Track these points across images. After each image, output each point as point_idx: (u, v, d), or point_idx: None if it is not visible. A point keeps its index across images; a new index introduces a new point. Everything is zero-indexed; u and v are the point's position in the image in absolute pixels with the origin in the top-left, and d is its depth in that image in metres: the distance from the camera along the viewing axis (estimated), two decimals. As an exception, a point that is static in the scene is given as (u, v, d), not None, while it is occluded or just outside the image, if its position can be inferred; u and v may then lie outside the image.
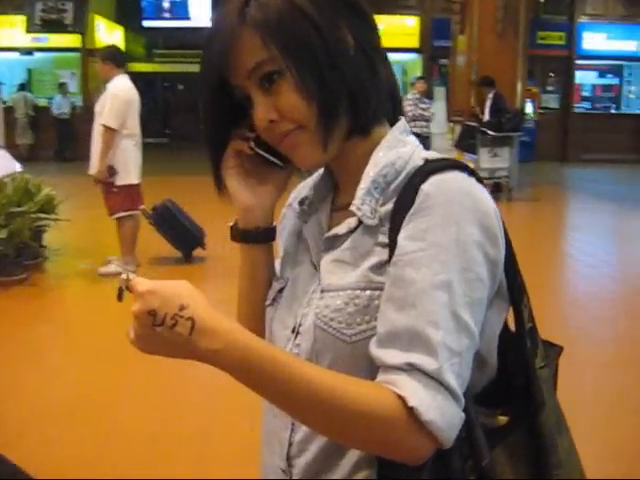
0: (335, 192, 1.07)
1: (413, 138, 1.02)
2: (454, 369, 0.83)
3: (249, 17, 0.92)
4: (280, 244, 1.12)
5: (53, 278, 6.60)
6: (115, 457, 3.18)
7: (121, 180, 6.21)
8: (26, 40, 16.80)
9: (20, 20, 16.49)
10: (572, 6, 17.76)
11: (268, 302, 1.08)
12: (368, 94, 0.96)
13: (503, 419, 0.95)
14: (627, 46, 18.29)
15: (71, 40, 16.84)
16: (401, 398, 0.80)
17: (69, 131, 16.61)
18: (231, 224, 1.09)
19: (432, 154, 0.98)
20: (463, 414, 0.83)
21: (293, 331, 1.00)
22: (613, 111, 19.26)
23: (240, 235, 1.08)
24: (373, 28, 1.00)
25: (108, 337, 4.79)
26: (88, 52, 17.09)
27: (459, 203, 0.88)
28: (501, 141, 10.72)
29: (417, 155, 0.99)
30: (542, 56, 17.33)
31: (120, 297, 0.84)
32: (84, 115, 15.71)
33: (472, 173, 0.93)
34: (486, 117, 10.97)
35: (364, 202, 0.96)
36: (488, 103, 10.99)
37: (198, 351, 0.80)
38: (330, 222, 1.04)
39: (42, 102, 17.43)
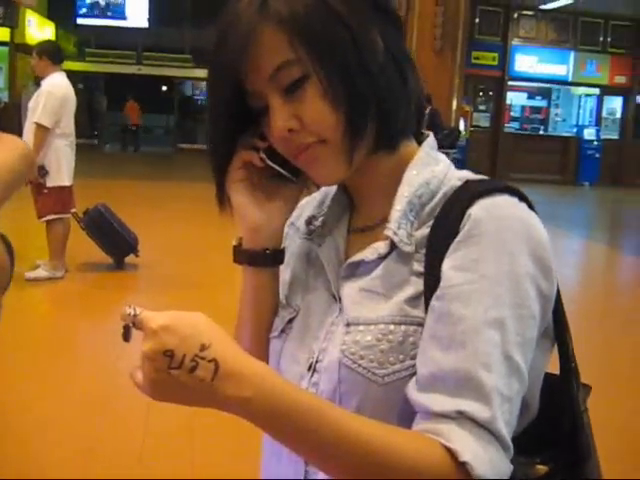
0: (351, 212, 0.96)
1: (444, 156, 0.93)
2: (505, 417, 0.74)
3: (273, 11, 0.81)
4: (282, 267, 0.99)
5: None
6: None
7: (52, 181, 5.93)
8: (-49, 31, 16.17)
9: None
10: (506, 28, 18.12)
11: (275, 334, 0.96)
12: (398, 104, 0.86)
13: (543, 469, 0.85)
14: (556, 70, 18.78)
15: (-1, 34, 16.28)
16: (450, 451, 0.71)
17: (-6, 127, 16.01)
18: (235, 244, 0.96)
19: (469, 174, 0.89)
20: (511, 465, 0.74)
21: (309, 369, 0.88)
22: (541, 132, 19.77)
23: (246, 257, 0.95)
24: (401, 31, 0.91)
25: (33, 349, 4.58)
26: (17, 47, 16.55)
27: (512, 231, 0.79)
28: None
29: (452, 174, 0.89)
30: (475, 75, 17.63)
31: (127, 337, 0.72)
32: (10, 111, 15.21)
33: (523, 198, 0.83)
34: (422, 133, 11.05)
35: (400, 226, 0.86)
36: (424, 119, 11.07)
37: (223, 398, 0.69)
38: (348, 246, 0.93)
39: (-35, 96, 16.80)
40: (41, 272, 6.00)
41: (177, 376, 0.68)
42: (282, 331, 0.95)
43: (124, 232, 6.52)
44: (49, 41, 6.71)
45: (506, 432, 0.73)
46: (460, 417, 0.72)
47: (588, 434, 0.88)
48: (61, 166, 5.99)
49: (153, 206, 10.19)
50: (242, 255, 0.95)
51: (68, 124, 6.05)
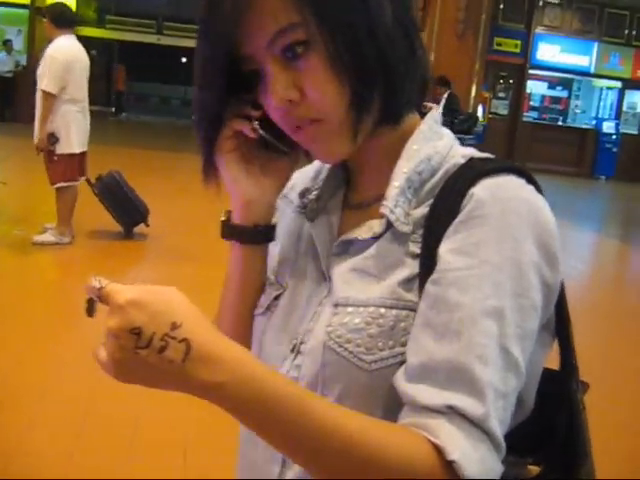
0: (347, 187, 0.91)
1: (448, 130, 0.87)
2: (499, 414, 0.68)
3: None
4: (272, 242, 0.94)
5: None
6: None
7: (61, 149, 5.87)
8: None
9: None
10: (530, 16, 17.90)
11: (260, 310, 0.91)
12: (405, 75, 0.80)
13: (535, 469, 0.81)
14: (579, 60, 18.54)
15: (20, -5, 16.19)
16: (437, 448, 0.65)
17: (11, 91, 15.96)
18: (223, 219, 0.91)
19: (474, 151, 0.83)
20: (502, 466, 0.68)
21: (293, 350, 0.84)
22: (560, 123, 19.55)
23: (236, 233, 0.90)
24: (410, 1, 0.83)
25: (36, 312, 4.58)
26: (37, 10, 16.46)
27: (517, 215, 0.73)
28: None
29: (455, 151, 0.83)
30: (496, 62, 17.44)
31: (90, 311, 0.67)
32: (28, 75, 15.15)
33: (531, 179, 0.78)
34: (439, 117, 10.96)
35: (397, 204, 0.80)
36: (442, 102, 10.97)
37: (194, 382, 0.63)
38: (342, 223, 0.88)
39: (-16, 57, 16.74)
40: (48, 236, 5.99)
41: (144, 356, 0.62)
42: (267, 308, 0.90)
43: (136, 201, 6.50)
44: (57, 3, 6.35)
45: (499, 430, 0.68)
46: (450, 412, 0.67)
47: (585, 435, 0.83)
48: (70, 133, 5.90)
49: (164, 176, 10.16)
50: (231, 230, 0.90)
51: (77, 89, 5.91)
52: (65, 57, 5.79)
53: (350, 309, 0.79)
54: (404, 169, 0.82)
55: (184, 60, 26.06)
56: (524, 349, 0.71)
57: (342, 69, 0.75)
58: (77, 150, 5.99)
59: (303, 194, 0.93)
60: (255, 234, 0.89)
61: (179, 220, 7.50)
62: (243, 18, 0.74)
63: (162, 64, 25.66)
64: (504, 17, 17.56)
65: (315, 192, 0.92)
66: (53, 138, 5.78)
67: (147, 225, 6.50)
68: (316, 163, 0.95)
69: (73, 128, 5.92)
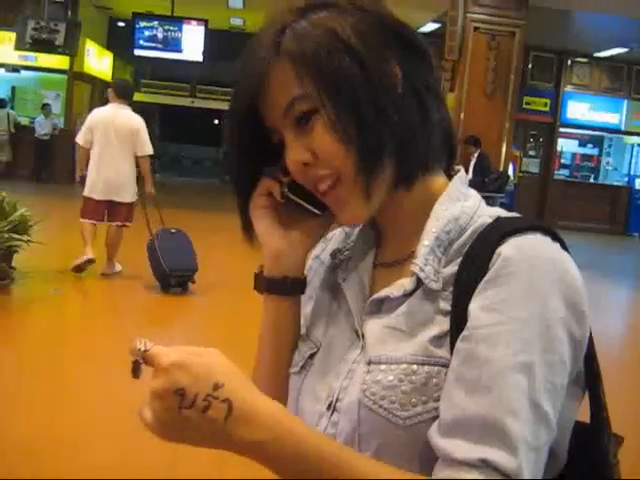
0: (378, 247, 0.94)
1: (474, 191, 0.90)
2: (531, 468, 0.70)
3: (283, 47, 0.82)
4: (304, 300, 0.97)
5: (18, 301, 6.35)
6: None
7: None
8: (14, 57, 16.63)
9: (10, 36, 16.37)
10: (559, 75, 18.05)
11: (295, 369, 0.93)
12: (416, 139, 0.84)
13: None
14: (609, 118, 18.58)
15: (59, 61, 16.67)
16: None
17: (48, 152, 16.38)
18: (256, 271, 0.96)
19: (501, 211, 0.86)
20: None
21: (329, 407, 0.85)
22: (592, 180, 19.50)
23: (266, 284, 0.93)
24: (429, 65, 0.88)
25: (66, 370, 4.60)
26: (75, 75, 16.99)
27: (544, 272, 0.76)
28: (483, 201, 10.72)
29: (482, 211, 0.87)
30: (526, 121, 17.56)
31: (136, 373, 0.69)
32: (65, 138, 15.56)
33: (556, 237, 0.80)
34: (470, 176, 10.99)
35: (427, 262, 0.83)
36: (472, 162, 11.03)
37: (236, 441, 0.66)
38: (373, 282, 0.91)
39: (24, 120, 17.21)
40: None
41: (188, 416, 0.65)
42: (302, 367, 0.92)
43: (166, 262, 6.58)
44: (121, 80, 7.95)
45: None
46: (483, 466, 0.69)
47: None
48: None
49: (196, 237, 10.27)
50: (262, 282, 0.94)
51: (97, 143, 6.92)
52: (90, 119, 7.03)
53: (383, 367, 0.81)
54: (433, 229, 0.85)
55: (216, 122, 26.61)
56: (554, 403, 0.73)
57: (345, 134, 0.81)
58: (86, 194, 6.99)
59: (335, 254, 0.96)
60: (285, 285, 0.93)
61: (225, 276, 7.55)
62: (260, 91, 0.83)
63: (195, 126, 26.23)
64: (533, 76, 17.74)
65: (347, 252, 0.96)
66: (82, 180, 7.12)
67: (193, 282, 6.66)
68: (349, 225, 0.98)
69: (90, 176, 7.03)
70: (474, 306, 0.76)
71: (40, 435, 3.56)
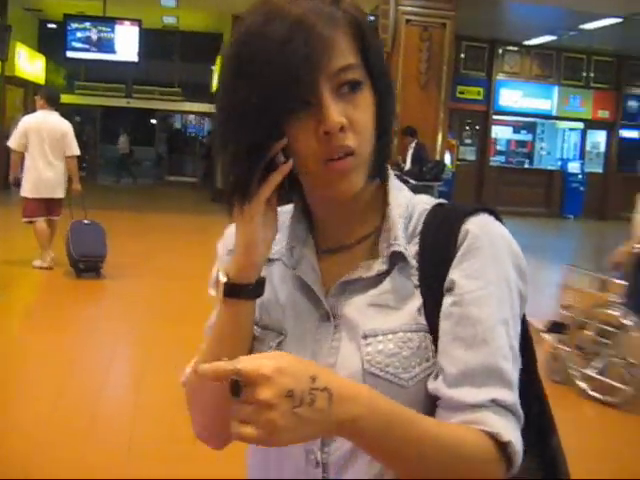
0: (314, 236, 1.01)
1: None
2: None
3: (343, 9, 0.91)
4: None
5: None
6: None
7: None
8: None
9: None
10: (491, 64, 18.37)
11: None
12: (391, 136, 0.98)
13: None
14: (541, 104, 19.01)
15: (-11, 66, 16.33)
16: (491, 435, 0.82)
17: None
18: (225, 280, 0.93)
19: (430, 198, 1.01)
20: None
21: None
22: (526, 166, 19.95)
23: (237, 291, 0.93)
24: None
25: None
26: (7, 79, 16.62)
27: (500, 245, 0.93)
28: (421, 190, 10.74)
29: (414, 198, 1.00)
30: (461, 110, 17.84)
31: (237, 392, 0.71)
32: (-2, 142, 15.24)
33: (498, 217, 0.96)
34: (407, 166, 11.16)
35: (405, 244, 0.96)
36: (410, 152, 11.20)
37: (340, 422, 0.74)
38: (322, 266, 0.99)
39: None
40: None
41: (301, 414, 0.71)
42: None
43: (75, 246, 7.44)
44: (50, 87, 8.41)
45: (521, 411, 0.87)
46: (492, 405, 0.84)
47: (550, 413, 1.01)
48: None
49: (133, 235, 10.25)
50: (234, 289, 0.93)
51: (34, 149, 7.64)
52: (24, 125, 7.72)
53: (380, 338, 0.92)
54: (397, 215, 0.97)
55: (153, 122, 26.25)
56: (518, 345, 0.91)
57: (379, 112, 0.92)
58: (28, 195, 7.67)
59: (290, 249, 1.01)
60: (256, 289, 0.94)
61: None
62: (320, 44, 0.85)
63: (132, 127, 25.80)
64: (465, 66, 18.00)
65: (284, 242, 1.01)
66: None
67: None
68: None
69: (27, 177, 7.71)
70: (457, 276, 0.91)
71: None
